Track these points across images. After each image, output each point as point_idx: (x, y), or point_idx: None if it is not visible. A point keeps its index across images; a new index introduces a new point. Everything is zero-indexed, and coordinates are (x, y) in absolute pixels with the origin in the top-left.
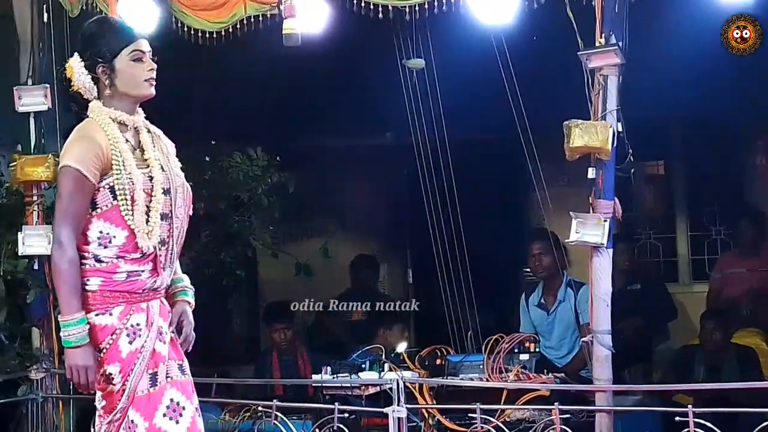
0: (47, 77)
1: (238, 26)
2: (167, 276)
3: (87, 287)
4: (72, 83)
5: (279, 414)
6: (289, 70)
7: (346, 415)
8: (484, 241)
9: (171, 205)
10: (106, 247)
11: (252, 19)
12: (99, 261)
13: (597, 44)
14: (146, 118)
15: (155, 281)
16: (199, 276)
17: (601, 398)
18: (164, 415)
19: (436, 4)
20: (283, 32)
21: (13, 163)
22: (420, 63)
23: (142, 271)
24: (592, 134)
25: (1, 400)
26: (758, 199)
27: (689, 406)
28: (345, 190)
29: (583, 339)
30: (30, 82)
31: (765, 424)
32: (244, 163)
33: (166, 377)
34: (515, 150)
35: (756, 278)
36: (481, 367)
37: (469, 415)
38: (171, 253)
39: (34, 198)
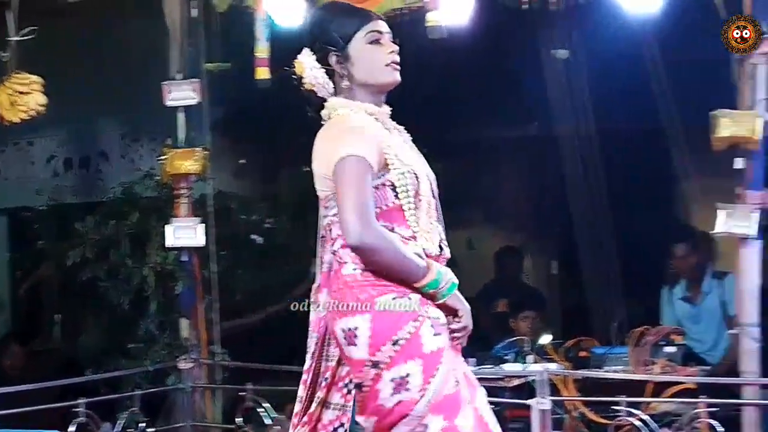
0: (196, 72)
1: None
2: None
3: None
4: (303, 81)
5: None
6: (435, 63)
7: (490, 406)
8: (629, 233)
9: (437, 209)
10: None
11: (398, 12)
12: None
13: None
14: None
15: None
16: None
17: (749, 392)
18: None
19: None
20: (427, 25)
21: (163, 157)
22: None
23: None
24: (740, 124)
25: (151, 390)
26: None
27: None
28: (490, 181)
29: (731, 331)
30: (179, 76)
31: None
32: None
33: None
34: (662, 140)
35: None
36: (626, 359)
37: (614, 407)
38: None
39: (183, 191)
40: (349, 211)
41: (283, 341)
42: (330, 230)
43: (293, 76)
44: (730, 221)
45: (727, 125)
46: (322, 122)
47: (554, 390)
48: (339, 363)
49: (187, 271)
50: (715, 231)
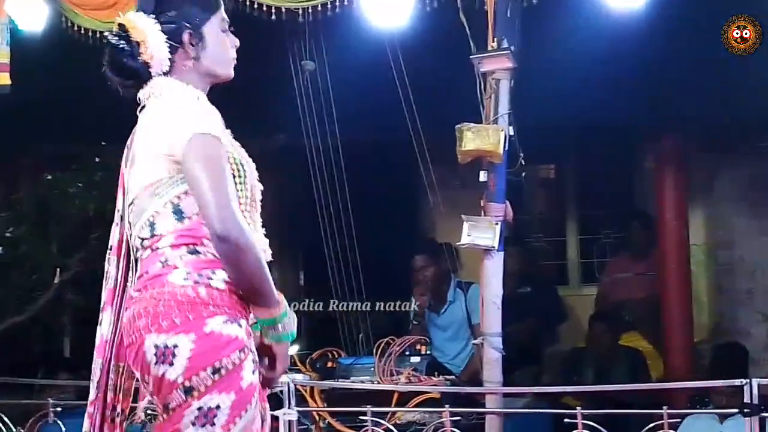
0: None
1: None
2: None
3: (211, 282)
4: (143, 50)
5: None
6: None
7: None
8: (376, 244)
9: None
10: None
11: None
12: None
13: (489, 48)
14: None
15: None
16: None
17: (491, 400)
18: None
19: (329, 6)
20: None
21: None
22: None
23: None
24: (484, 138)
25: None
26: (648, 203)
27: (578, 407)
28: None
29: (474, 341)
30: None
31: (652, 425)
32: None
33: None
34: (408, 153)
35: (644, 282)
36: (373, 369)
37: (360, 417)
38: None
39: None
40: (216, 194)
41: (25, 354)
42: (152, 225)
43: (120, 42)
44: (474, 233)
45: (471, 139)
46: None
47: (301, 400)
48: (128, 395)
49: None
50: (460, 243)
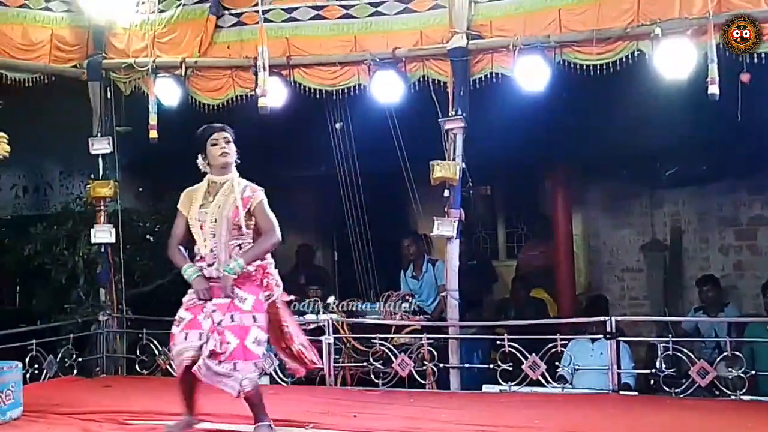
0: (110, 132)
1: (229, 101)
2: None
3: None
4: None
5: None
6: (264, 128)
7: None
8: (382, 235)
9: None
10: None
11: (238, 97)
12: None
13: (450, 114)
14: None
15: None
16: None
17: (452, 331)
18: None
19: (351, 88)
20: (258, 105)
21: (88, 185)
22: (340, 124)
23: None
24: (447, 169)
25: (80, 334)
26: (547, 208)
27: (505, 335)
28: (293, 202)
29: (441, 294)
30: (99, 135)
31: (550, 344)
32: None
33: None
34: (402, 179)
35: (545, 257)
36: (380, 311)
37: (372, 341)
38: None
39: (101, 207)
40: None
41: (166, 303)
42: None
43: None
44: (441, 228)
45: (439, 170)
46: None
47: (335, 330)
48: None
49: (104, 258)
50: (432, 233)
